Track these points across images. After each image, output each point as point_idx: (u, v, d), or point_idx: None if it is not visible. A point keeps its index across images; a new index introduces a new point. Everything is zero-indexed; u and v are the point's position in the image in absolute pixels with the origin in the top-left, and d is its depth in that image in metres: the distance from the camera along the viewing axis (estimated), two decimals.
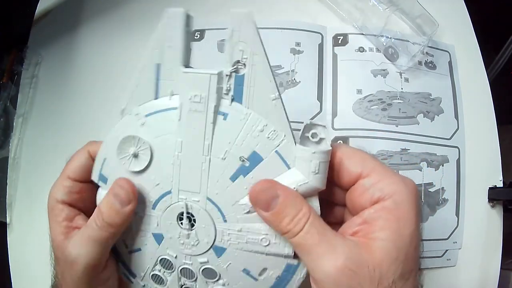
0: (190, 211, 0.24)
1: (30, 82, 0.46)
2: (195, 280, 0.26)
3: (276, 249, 0.23)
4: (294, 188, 0.22)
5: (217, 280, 0.25)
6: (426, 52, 0.42)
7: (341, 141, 0.39)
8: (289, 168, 0.23)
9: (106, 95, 0.44)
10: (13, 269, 0.41)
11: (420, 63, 0.42)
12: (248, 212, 0.23)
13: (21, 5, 0.49)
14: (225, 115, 0.23)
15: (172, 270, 0.26)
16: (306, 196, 0.23)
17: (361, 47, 0.42)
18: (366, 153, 0.24)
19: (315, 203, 0.23)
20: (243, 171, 0.23)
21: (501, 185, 0.39)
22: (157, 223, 0.25)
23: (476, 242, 0.39)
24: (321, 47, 0.42)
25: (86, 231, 0.25)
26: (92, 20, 0.48)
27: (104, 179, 0.26)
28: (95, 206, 0.26)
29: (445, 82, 0.42)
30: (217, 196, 0.23)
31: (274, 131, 0.22)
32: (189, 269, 0.26)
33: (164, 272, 0.26)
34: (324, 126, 0.24)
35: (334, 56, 0.42)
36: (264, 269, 0.24)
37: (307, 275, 0.23)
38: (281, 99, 0.23)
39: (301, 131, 0.23)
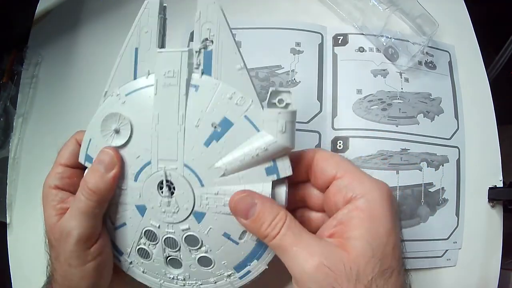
0: (169, 178, 0.25)
1: (30, 82, 0.46)
2: (179, 250, 0.27)
3: None
4: (265, 148, 0.23)
5: (200, 247, 0.26)
6: (426, 52, 0.42)
7: (341, 141, 0.39)
8: (258, 131, 0.24)
9: None
10: (13, 269, 0.41)
11: (420, 63, 0.42)
12: (223, 175, 0.24)
13: (21, 5, 0.49)
14: (196, 87, 0.25)
15: (156, 242, 0.27)
16: (277, 156, 0.24)
17: (361, 47, 0.42)
18: (342, 156, 0.26)
19: (287, 163, 0.24)
20: (215, 136, 0.24)
21: (501, 185, 0.39)
22: (140, 194, 0.26)
23: (476, 242, 0.39)
24: (321, 47, 0.42)
25: (74, 204, 0.26)
26: (92, 20, 0.48)
27: (90, 159, 0.27)
28: None
29: (445, 82, 0.42)
30: (193, 161, 0.25)
31: (242, 97, 0.24)
32: (172, 238, 0.27)
33: (149, 244, 0.27)
34: (289, 92, 0.25)
35: (334, 56, 0.42)
36: (244, 232, 0.25)
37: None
38: (247, 68, 0.24)
39: (267, 97, 0.25)
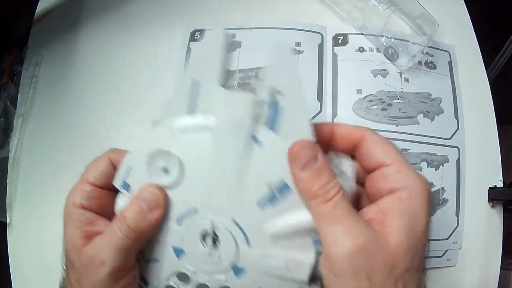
0: (215, 231, 0.24)
1: (30, 82, 0.46)
2: None
3: (293, 275, 0.24)
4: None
5: None
6: (426, 52, 0.42)
7: None
8: None
9: (106, 95, 0.44)
10: (13, 269, 0.41)
11: (420, 63, 0.42)
12: (270, 238, 0.23)
13: (21, 5, 0.49)
14: (259, 143, 0.23)
15: (188, 284, 0.26)
16: None
17: (361, 47, 0.42)
18: (392, 144, 0.25)
19: None
20: (270, 198, 0.23)
21: (501, 185, 0.39)
22: (180, 238, 0.25)
23: (476, 242, 0.39)
24: (321, 47, 0.42)
25: (109, 238, 0.24)
26: (92, 20, 0.48)
27: (127, 186, 0.25)
28: (113, 212, 0.26)
29: (445, 82, 0.42)
30: (243, 219, 0.24)
31: None
32: (206, 285, 0.26)
33: (180, 285, 0.26)
34: (351, 165, 0.24)
35: (334, 56, 0.42)
36: None
37: None
38: (313, 130, 0.23)
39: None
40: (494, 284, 0.38)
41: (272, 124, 0.23)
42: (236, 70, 0.41)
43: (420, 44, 0.40)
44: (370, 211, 0.23)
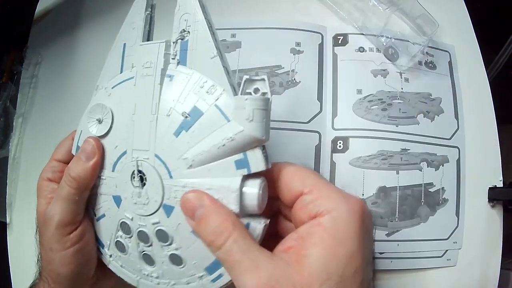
0: (140, 169, 0.25)
1: (30, 82, 0.46)
2: (151, 245, 0.26)
3: (223, 203, 0.23)
4: (231, 138, 0.22)
5: (170, 244, 0.25)
6: (426, 52, 0.42)
7: (341, 141, 0.39)
8: (228, 121, 0.23)
9: None
10: (13, 269, 0.41)
11: (420, 63, 0.42)
12: (190, 167, 0.23)
13: (21, 5, 0.49)
14: (171, 77, 0.25)
15: (131, 235, 0.27)
16: (247, 148, 0.22)
17: (361, 47, 0.42)
18: (310, 170, 0.24)
19: (259, 155, 0.22)
20: (185, 126, 0.24)
21: (501, 185, 0.39)
22: (116, 184, 0.26)
23: (476, 242, 0.39)
24: (321, 47, 0.42)
25: (57, 191, 0.27)
26: (92, 20, 0.48)
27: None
28: None
29: (445, 82, 0.42)
30: (164, 152, 0.24)
31: (213, 86, 0.24)
32: (144, 231, 0.26)
33: (125, 238, 0.27)
34: (264, 79, 0.24)
35: (334, 56, 0.42)
36: None
37: None
38: (221, 56, 0.24)
39: (241, 87, 0.24)
40: (494, 284, 0.38)
41: (182, 59, 0.25)
42: (236, 70, 0.41)
43: (420, 44, 0.40)
44: (289, 238, 0.22)
